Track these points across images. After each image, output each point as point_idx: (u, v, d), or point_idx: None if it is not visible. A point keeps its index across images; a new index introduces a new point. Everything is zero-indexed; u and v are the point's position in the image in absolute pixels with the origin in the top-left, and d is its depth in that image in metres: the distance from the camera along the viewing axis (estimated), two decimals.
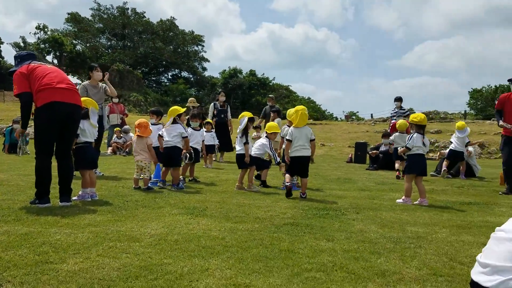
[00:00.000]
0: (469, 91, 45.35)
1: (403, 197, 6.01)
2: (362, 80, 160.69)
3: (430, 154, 16.98)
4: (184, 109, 7.38)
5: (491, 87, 43.61)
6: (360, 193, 6.84)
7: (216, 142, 10.78)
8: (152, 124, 7.04)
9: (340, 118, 47.34)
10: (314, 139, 6.24)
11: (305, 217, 4.68)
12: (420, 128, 6.13)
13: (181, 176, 7.06)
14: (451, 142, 10.15)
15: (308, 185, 7.72)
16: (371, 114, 35.31)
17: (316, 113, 52.08)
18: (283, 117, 13.38)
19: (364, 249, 3.47)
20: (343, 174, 10.10)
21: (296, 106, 6.57)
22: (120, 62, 46.76)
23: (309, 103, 58.77)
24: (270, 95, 14.51)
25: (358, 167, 12.20)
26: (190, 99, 13.19)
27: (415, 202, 5.90)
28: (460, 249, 3.57)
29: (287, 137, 6.29)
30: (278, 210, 5.02)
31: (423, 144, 6.05)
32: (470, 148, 10.24)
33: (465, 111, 35.53)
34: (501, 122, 7.56)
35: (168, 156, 6.64)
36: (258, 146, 7.22)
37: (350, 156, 14.74)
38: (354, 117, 46.09)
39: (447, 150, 10.42)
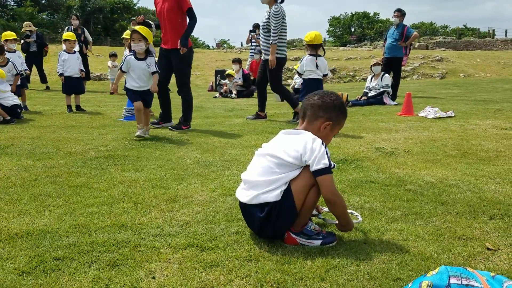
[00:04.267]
0: (328, 19, 47.89)
1: None
2: (237, 8, 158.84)
3: (289, 81, 17.73)
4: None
5: (348, 14, 46.51)
6: (204, 120, 6.79)
7: None
8: None
9: (212, 46, 46.72)
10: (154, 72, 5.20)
11: (126, 148, 4.45)
12: (313, 48, 5.56)
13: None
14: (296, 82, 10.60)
15: (155, 113, 7.48)
16: (241, 42, 35.44)
17: None
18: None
19: (170, 176, 3.39)
20: (197, 102, 9.93)
21: None
22: None
23: None
24: (134, 19, 13.83)
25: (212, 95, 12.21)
26: (26, 23, 11.78)
27: None
28: None
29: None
30: (101, 143, 4.70)
31: (316, 66, 5.50)
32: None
33: (324, 38, 37.56)
34: None
35: None
36: None
37: (210, 84, 14.64)
38: (225, 45, 45.81)
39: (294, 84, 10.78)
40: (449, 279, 0.94)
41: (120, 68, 5.17)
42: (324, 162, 2.01)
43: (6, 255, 1.96)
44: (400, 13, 9.99)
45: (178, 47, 5.51)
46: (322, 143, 2.08)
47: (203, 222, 2.40)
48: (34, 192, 2.90)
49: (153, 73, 5.15)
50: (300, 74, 5.74)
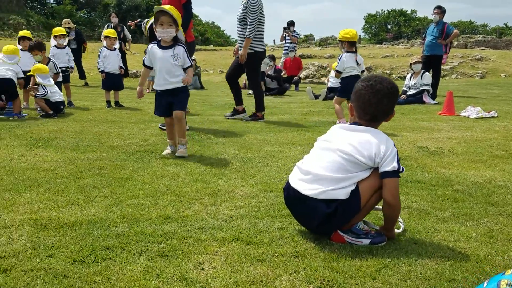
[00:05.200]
0: (364, 16, 47.06)
1: (338, 121, 5.55)
2: (268, 5, 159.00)
3: (322, 79, 17.57)
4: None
5: (384, 11, 45.57)
6: None
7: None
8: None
9: None
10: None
11: (165, 143, 4.46)
12: (351, 45, 5.54)
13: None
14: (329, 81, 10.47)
15: (190, 110, 7.57)
16: (273, 40, 35.34)
17: (220, 39, 50.89)
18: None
19: (210, 171, 3.40)
20: (231, 100, 10.00)
21: None
22: None
23: (214, 28, 57.08)
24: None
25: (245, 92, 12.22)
26: (65, 20, 12.12)
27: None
28: None
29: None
30: (141, 137, 4.78)
31: (357, 63, 5.51)
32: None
33: (360, 36, 37.00)
34: None
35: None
36: None
37: (244, 82, 14.67)
38: None
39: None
40: None
41: (143, 63, 4.01)
42: (393, 165, 1.98)
43: (58, 244, 2.01)
44: (440, 10, 9.71)
45: None
46: (394, 144, 2.04)
47: (246, 217, 2.40)
48: (81, 183, 2.97)
49: (185, 69, 3.91)
50: (340, 73, 5.58)
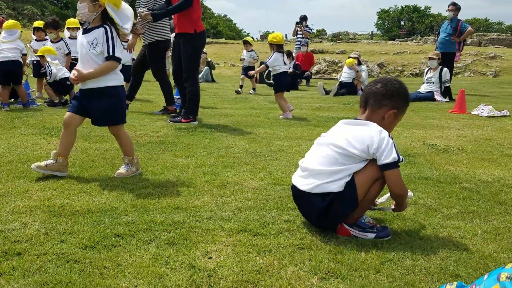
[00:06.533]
0: (377, 12, 46.60)
1: (283, 113, 6.25)
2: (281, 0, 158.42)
3: (333, 74, 17.52)
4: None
5: (398, 7, 45.11)
6: (249, 111, 6.83)
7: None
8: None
9: (256, 38, 46.79)
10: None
11: (176, 135, 4.55)
12: (279, 47, 6.34)
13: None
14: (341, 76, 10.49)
15: (201, 103, 7.59)
16: (286, 35, 35.18)
17: (232, 32, 50.91)
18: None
19: (220, 163, 3.44)
20: (242, 94, 10.04)
21: None
22: None
23: (226, 22, 57.07)
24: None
25: (260, 87, 12.21)
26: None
27: (280, 116, 6.17)
28: None
29: None
30: (152, 129, 4.83)
31: (284, 62, 6.35)
32: (363, 73, 10.38)
33: (372, 32, 36.68)
34: None
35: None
36: None
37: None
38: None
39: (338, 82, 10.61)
40: None
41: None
42: (393, 157, 1.99)
43: (70, 230, 2.06)
44: (455, 7, 9.62)
45: (186, 32, 5.00)
46: (389, 135, 2.05)
47: (254, 209, 2.43)
48: (92, 172, 3.03)
49: (106, 58, 2.91)
50: (267, 67, 6.40)
